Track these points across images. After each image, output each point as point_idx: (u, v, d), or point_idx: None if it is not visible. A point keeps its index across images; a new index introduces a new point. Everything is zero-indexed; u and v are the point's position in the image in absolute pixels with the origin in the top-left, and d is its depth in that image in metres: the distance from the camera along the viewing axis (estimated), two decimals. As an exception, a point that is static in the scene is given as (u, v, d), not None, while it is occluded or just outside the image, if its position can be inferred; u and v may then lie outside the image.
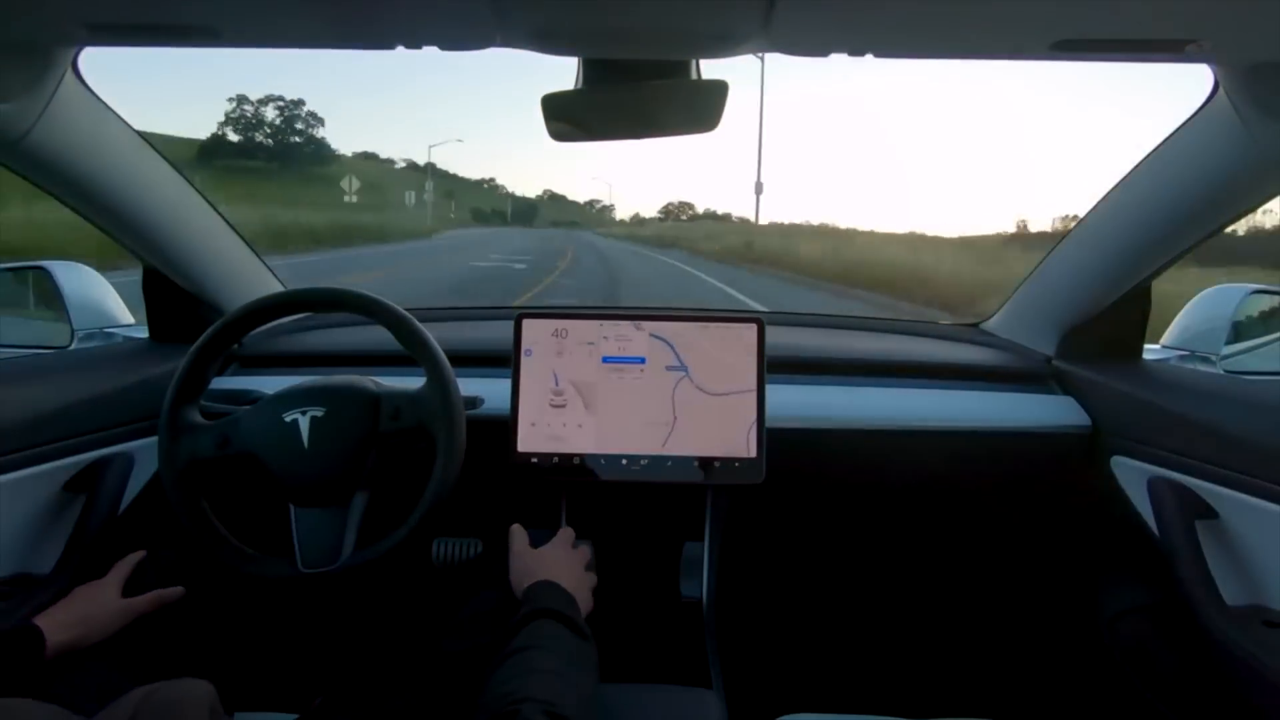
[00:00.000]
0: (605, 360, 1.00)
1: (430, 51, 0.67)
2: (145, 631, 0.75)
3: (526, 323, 1.00)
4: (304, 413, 0.83)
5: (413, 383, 0.89)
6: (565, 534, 0.85)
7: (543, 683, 0.57)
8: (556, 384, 1.00)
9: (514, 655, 0.61)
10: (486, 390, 1.02)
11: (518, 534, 0.82)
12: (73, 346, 1.25)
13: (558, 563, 0.78)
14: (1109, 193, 1.01)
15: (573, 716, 0.54)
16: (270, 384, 1.04)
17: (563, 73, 0.76)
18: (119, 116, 0.91)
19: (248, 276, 1.21)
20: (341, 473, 0.83)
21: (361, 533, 0.83)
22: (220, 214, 1.14)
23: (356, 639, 1.11)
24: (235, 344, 0.92)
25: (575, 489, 1.05)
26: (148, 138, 0.96)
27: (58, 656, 0.68)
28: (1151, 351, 1.18)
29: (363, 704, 0.72)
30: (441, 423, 0.83)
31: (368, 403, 0.85)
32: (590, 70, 0.75)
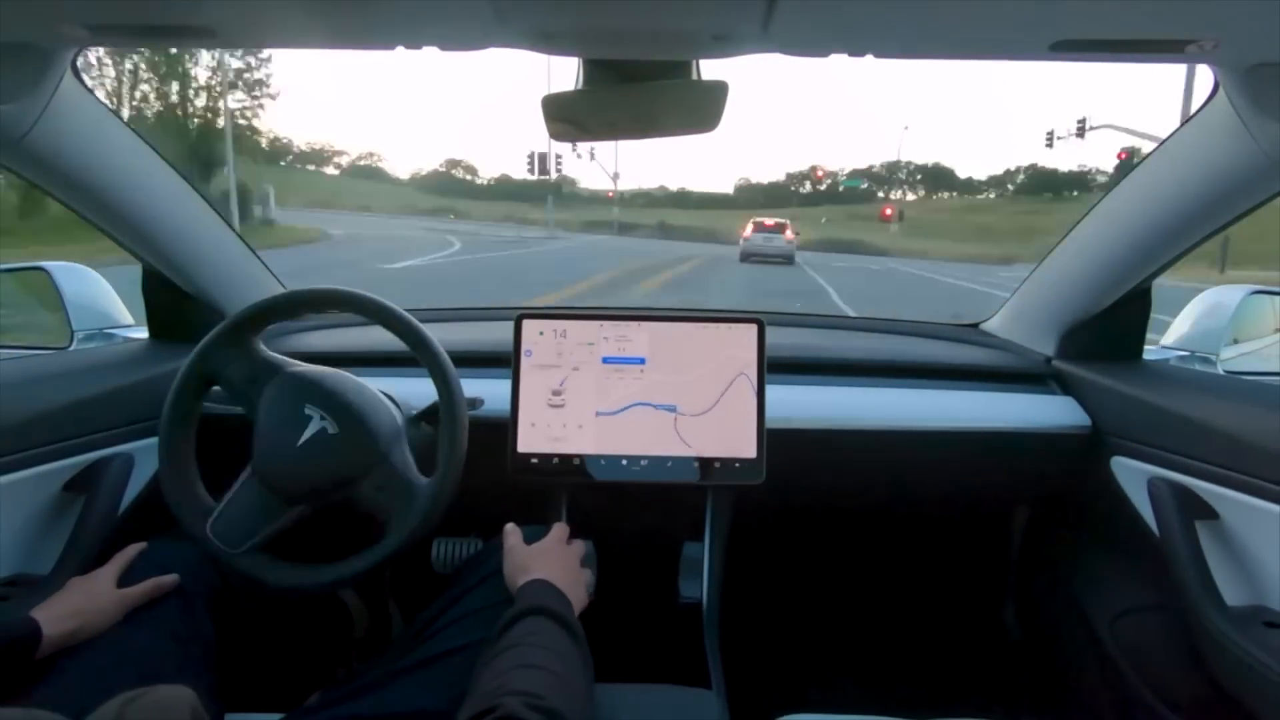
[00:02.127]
0: (605, 360, 1.00)
1: (430, 51, 0.67)
2: (141, 626, 0.75)
3: (527, 323, 1.00)
4: (321, 417, 0.83)
5: (418, 386, 0.88)
6: (559, 530, 0.85)
7: (526, 676, 0.57)
8: (557, 384, 1.00)
9: (501, 654, 0.61)
10: (486, 390, 1.02)
11: (511, 532, 0.82)
12: (73, 347, 1.25)
13: (550, 559, 0.78)
14: (1109, 193, 1.01)
15: (558, 708, 0.54)
16: None
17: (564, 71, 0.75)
18: (118, 116, 0.91)
19: (247, 276, 1.21)
20: (302, 486, 0.82)
21: (276, 540, 0.82)
22: (220, 214, 1.14)
23: (354, 638, 1.11)
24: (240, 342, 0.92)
25: (575, 489, 1.05)
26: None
27: (55, 649, 0.68)
28: (1151, 351, 1.18)
29: (359, 703, 0.72)
30: (402, 525, 0.81)
31: (372, 455, 0.83)
32: (590, 70, 0.75)
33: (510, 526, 0.83)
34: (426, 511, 0.81)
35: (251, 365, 0.87)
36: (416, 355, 0.86)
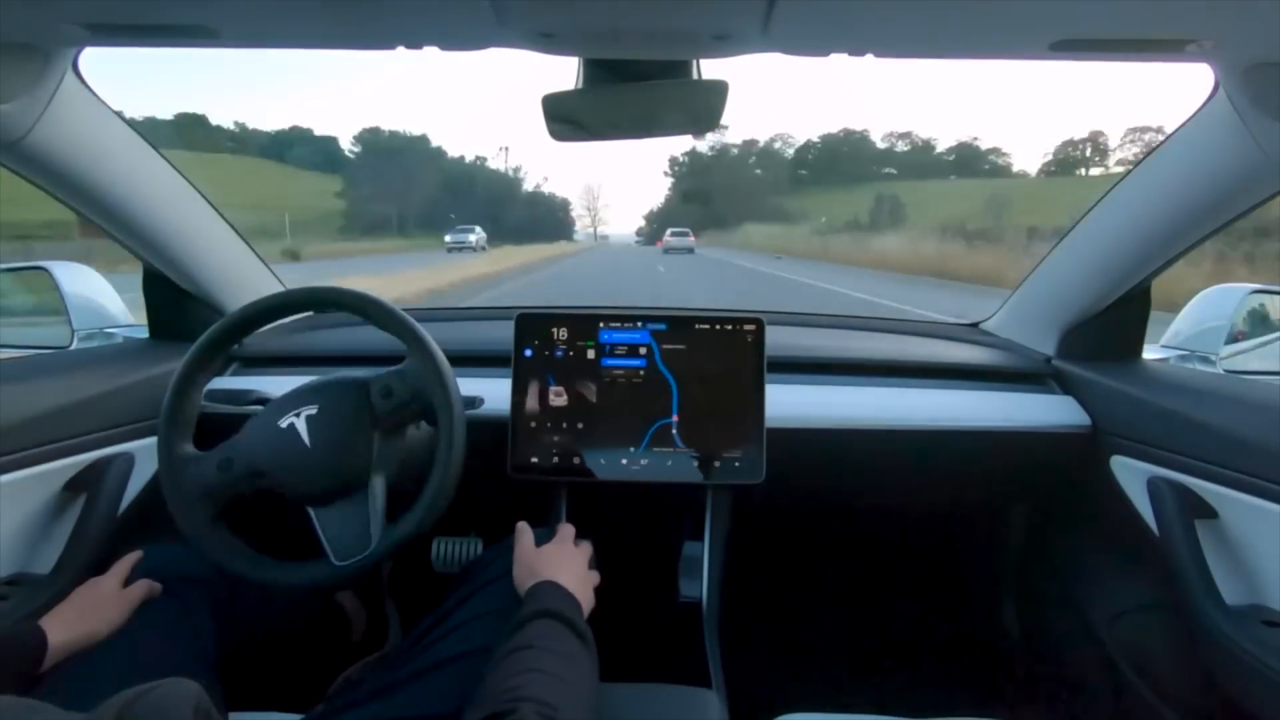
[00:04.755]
0: (605, 357, 1.00)
1: (430, 51, 0.67)
2: (144, 632, 0.75)
3: (526, 322, 1.00)
4: (298, 414, 0.83)
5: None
6: (566, 531, 0.85)
7: (542, 684, 0.57)
8: (556, 383, 1.00)
9: (513, 654, 0.61)
10: (486, 390, 1.02)
11: (523, 532, 0.82)
12: (73, 346, 1.26)
13: (560, 562, 0.78)
14: (1109, 192, 1.01)
15: None
16: (270, 384, 1.03)
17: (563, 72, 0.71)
18: (119, 116, 0.91)
19: (247, 276, 1.21)
20: (350, 463, 0.82)
21: (387, 516, 0.82)
22: (221, 214, 1.14)
23: (350, 640, 1.11)
24: (235, 345, 0.92)
25: (575, 488, 1.05)
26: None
27: (61, 658, 0.68)
28: (1151, 351, 1.18)
29: (364, 708, 0.71)
30: (435, 388, 0.83)
31: (358, 389, 0.85)
32: (590, 70, 0.75)
33: (522, 525, 0.83)
34: (438, 372, 0.83)
35: (215, 457, 0.84)
36: (412, 354, 0.86)
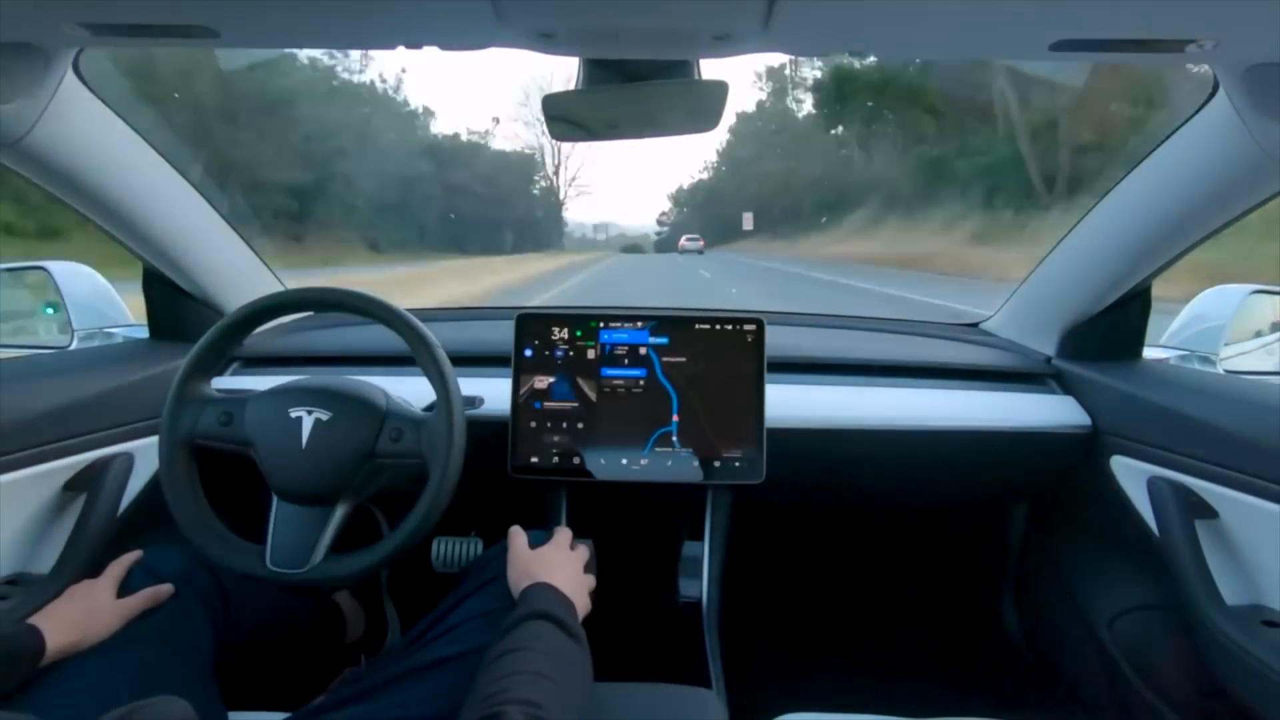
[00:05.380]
0: (605, 357, 1.01)
1: (430, 51, 0.67)
2: (139, 636, 0.75)
3: (526, 322, 1.01)
4: (309, 412, 0.83)
5: (416, 386, 0.88)
6: (563, 534, 0.85)
7: (530, 685, 0.57)
8: (557, 383, 1.00)
9: (504, 656, 0.61)
10: (486, 390, 1.03)
11: (516, 535, 0.82)
12: (73, 346, 1.26)
13: (555, 564, 0.78)
14: (1109, 192, 1.01)
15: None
16: (271, 384, 1.04)
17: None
18: (119, 116, 0.91)
19: (247, 276, 1.21)
20: (331, 480, 0.83)
21: (336, 543, 0.83)
22: (220, 214, 1.14)
23: (348, 640, 1.11)
24: (236, 344, 0.93)
25: (575, 488, 1.05)
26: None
27: (55, 660, 0.68)
28: (1152, 351, 1.18)
29: (358, 708, 0.71)
30: (439, 458, 0.82)
31: (373, 418, 0.85)
32: (591, 70, 0.75)
33: (515, 529, 0.83)
34: (450, 441, 0.81)
35: (221, 405, 0.86)
36: (414, 354, 0.86)
